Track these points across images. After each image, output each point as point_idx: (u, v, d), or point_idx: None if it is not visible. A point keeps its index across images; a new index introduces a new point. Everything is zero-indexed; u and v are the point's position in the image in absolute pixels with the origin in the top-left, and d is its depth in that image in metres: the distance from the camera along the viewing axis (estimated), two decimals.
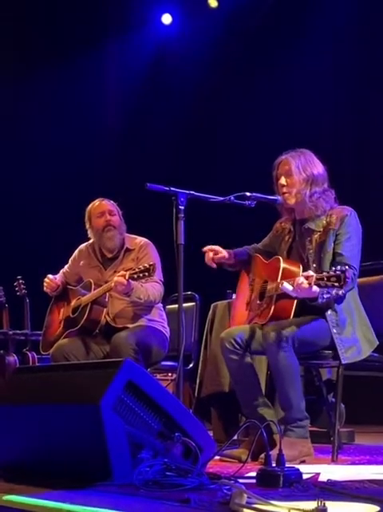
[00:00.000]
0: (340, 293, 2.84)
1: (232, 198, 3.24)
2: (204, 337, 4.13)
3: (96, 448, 2.14)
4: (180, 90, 6.75)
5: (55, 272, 4.06)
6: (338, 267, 2.81)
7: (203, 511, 1.71)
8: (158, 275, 3.72)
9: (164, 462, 2.12)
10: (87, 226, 3.90)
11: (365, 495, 1.87)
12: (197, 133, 6.61)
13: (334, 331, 3.06)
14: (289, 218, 3.30)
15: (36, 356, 4.88)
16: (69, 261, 4.02)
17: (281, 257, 3.17)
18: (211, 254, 3.34)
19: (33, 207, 6.55)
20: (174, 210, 3.09)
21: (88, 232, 3.90)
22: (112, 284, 3.49)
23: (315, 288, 2.85)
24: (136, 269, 3.41)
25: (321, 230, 3.14)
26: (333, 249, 3.10)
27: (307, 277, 2.85)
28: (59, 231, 6.35)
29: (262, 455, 2.72)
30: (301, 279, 2.86)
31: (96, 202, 3.89)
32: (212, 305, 4.17)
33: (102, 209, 3.83)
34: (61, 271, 4.03)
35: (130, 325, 3.67)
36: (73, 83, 6.91)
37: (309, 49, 6.06)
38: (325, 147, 5.45)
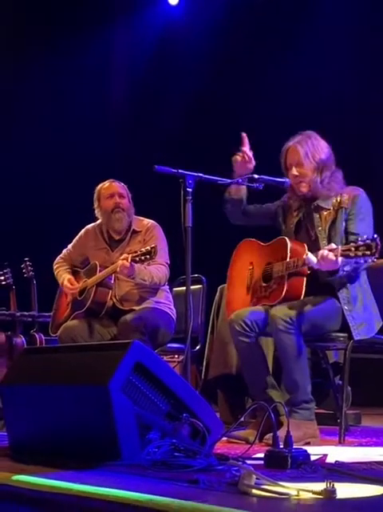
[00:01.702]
0: (369, 261, 2.82)
1: (240, 180, 3.24)
2: (211, 320, 4.14)
3: (104, 429, 2.15)
4: (188, 71, 6.70)
5: (61, 253, 4.06)
6: (364, 237, 2.81)
7: (211, 492, 1.71)
8: (164, 257, 3.73)
9: (172, 442, 2.14)
10: (95, 205, 3.90)
11: (372, 477, 1.88)
12: (205, 115, 6.57)
13: (346, 308, 3.08)
14: (297, 197, 3.30)
15: (43, 338, 4.89)
16: (74, 240, 4.02)
17: (286, 238, 3.18)
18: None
19: (39, 189, 6.53)
20: (182, 192, 3.08)
21: (96, 212, 3.90)
22: (117, 267, 3.50)
23: (340, 259, 2.85)
24: (139, 252, 3.43)
25: (332, 208, 3.17)
26: (346, 228, 3.13)
27: (332, 250, 2.86)
28: (66, 213, 6.35)
29: (268, 436, 2.73)
30: (325, 252, 2.87)
31: (107, 183, 3.89)
32: (219, 288, 4.17)
33: (112, 190, 3.83)
34: (64, 251, 4.03)
35: (136, 308, 3.68)
36: (79, 62, 6.87)
37: (320, 28, 5.99)
38: (332, 127, 5.41)
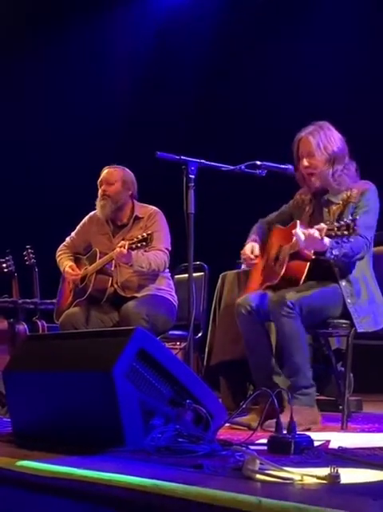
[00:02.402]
0: (351, 241, 2.88)
1: (243, 167, 3.23)
2: (213, 307, 4.14)
3: (108, 415, 2.16)
4: (190, 58, 6.67)
5: (63, 241, 4.05)
6: (350, 217, 2.88)
7: (216, 477, 1.72)
8: (164, 243, 3.73)
9: (176, 428, 2.14)
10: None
11: (376, 462, 1.88)
12: (208, 101, 6.54)
13: (349, 301, 3.08)
14: (308, 189, 3.30)
15: (45, 325, 4.90)
16: (77, 227, 4.03)
17: (298, 221, 3.19)
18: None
19: (41, 176, 6.52)
20: (184, 179, 3.08)
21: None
22: (114, 254, 3.51)
23: (326, 240, 2.89)
24: (135, 239, 3.44)
25: (341, 202, 3.17)
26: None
27: (319, 229, 2.89)
28: (68, 200, 6.34)
29: (267, 423, 2.74)
30: (312, 230, 2.91)
31: (104, 169, 3.90)
32: (221, 275, 4.17)
33: (102, 178, 3.86)
34: (67, 239, 4.03)
35: (138, 295, 3.69)
36: (81, 49, 6.85)
37: (323, 13, 5.96)
38: (339, 115, 5.39)
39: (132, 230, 3.79)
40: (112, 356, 2.16)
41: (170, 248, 3.77)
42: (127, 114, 6.90)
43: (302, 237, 2.96)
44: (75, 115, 6.71)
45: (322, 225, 2.91)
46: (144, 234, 3.43)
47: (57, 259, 4.01)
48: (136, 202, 3.88)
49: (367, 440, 2.44)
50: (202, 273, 4.21)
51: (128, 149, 6.37)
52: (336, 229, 2.85)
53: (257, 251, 3.33)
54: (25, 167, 6.58)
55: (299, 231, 2.99)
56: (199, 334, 4.03)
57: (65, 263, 3.92)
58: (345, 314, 3.11)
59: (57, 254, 4.03)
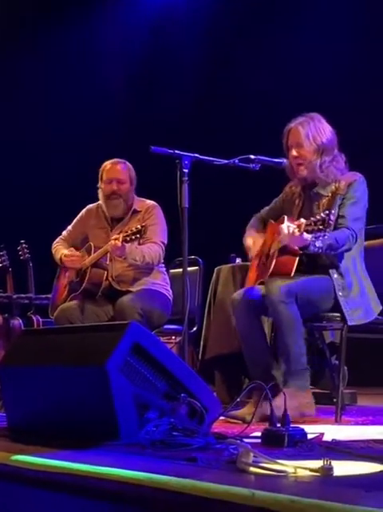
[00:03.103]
0: (326, 237, 2.90)
1: (236, 161, 3.23)
2: (208, 301, 4.15)
3: (103, 409, 2.17)
4: (184, 53, 6.66)
5: (58, 236, 4.05)
6: (325, 211, 2.90)
7: (210, 470, 1.73)
8: (159, 236, 3.74)
9: (171, 422, 2.15)
10: (98, 184, 3.89)
11: (369, 454, 1.89)
12: (202, 95, 6.54)
13: (340, 294, 3.09)
14: (298, 182, 3.31)
15: (40, 320, 4.91)
16: (74, 220, 4.02)
17: (285, 216, 3.20)
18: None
19: (35, 170, 6.52)
20: (178, 173, 3.08)
21: (99, 191, 3.89)
22: (109, 247, 3.51)
23: (306, 235, 2.92)
24: (129, 232, 3.44)
25: (330, 195, 3.18)
26: (338, 212, 3.13)
27: (298, 225, 2.92)
28: (62, 195, 6.33)
29: (263, 405, 2.74)
30: (291, 229, 2.94)
31: (108, 164, 3.86)
32: (216, 269, 4.18)
33: (111, 176, 3.81)
34: (64, 232, 4.03)
35: (133, 289, 3.69)
36: (76, 46, 6.83)
37: (318, 5, 5.95)
38: (332, 108, 5.38)
39: (130, 223, 3.79)
40: (107, 351, 2.17)
41: (166, 242, 3.77)
42: (121, 109, 6.89)
43: (285, 231, 2.99)
44: (69, 111, 6.70)
45: (302, 220, 2.94)
46: (138, 226, 3.44)
47: (53, 251, 3.99)
48: (135, 196, 3.89)
49: (361, 433, 2.45)
50: (196, 268, 4.22)
51: (122, 144, 6.37)
52: (313, 224, 2.88)
53: (258, 243, 3.33)
54: (18, 163, 6.57)
55: (284, 226, 3.01)
56: (194, 328, 4.04)
57: (60, 252, 3.91)
58: (338, 307, 3.13)
59: (53, 246, 4.01)
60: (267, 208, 3.51)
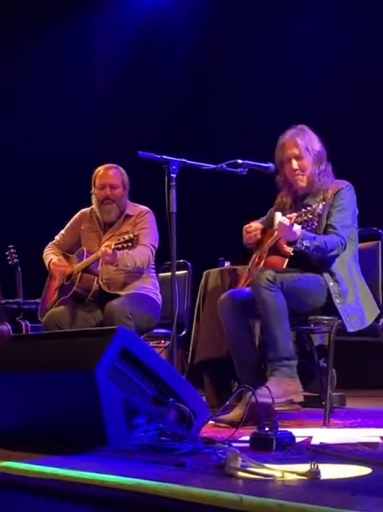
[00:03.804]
0: (316, 240, 2.97)
1: (224, 165, 3.25)
2: (197, 305, 4.15)
3: (91, 415, 2.16)
4: (172, 56, 6.67)
5: (46, 241, 4.05)
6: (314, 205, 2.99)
7: (198, 475, 1.73)
8: (151, 240, 3.74)
9: (159, 427, 2.15)
10: (91, 190, 3.89)
11: (357, 457, 1.90)
12: (189, 100, 6.55)
13: (337, 301, 3.12)
14: (289, 192, 3.33)
15: (29, 325, 4.89)
16: (68, 224, 4.02)
17: (279, 213, 3.24)
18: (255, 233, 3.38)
19: (23, 176, 6.50)
20: (166, 178, 3.09)
21: (92, 196, 3.89)
22: (100, 253, 3.52)
23: (296, 228, 2.97)
24: (121, 239, 3.46)
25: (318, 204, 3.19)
26: (326, 220, 3.17)
27: (289, 217, 2.99)
28: (50, 200, 6.33)
29: (260, 391, 2.74)
30: (283, 218, 3.02)
31: (101, 170, 3.87)
32: (204, 273, 4.19)
33: (104, 181, 3.82)
34: (57, 237, 4.02)
35: (122, 293, 3.69)
36: (61, 48, 6.83)
37: (305, 13, 5.98)
38: (319, 114, 5.43)
39: (121, 228, 3.81)
40: (95, 356, 2.17)
41: (156, 246, 3.78)
42: (108, 114, 6.89)
43: (277, 220, 3.06)
44: (57, 115, 6.69)
45: (293, 214, 3.00)
46: (131, 235, 3.46)
47: (44, 255, 3.99)
48: (128, 201, 3.89)
49: (349, 436, 2.47)
50: (185, 271, 4.22)
51: (110, 149, 6.36)
52: (303, 214, 2.96)
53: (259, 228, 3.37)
54: (7, 167, 6.55)
55: (278, 214, 3.13)
56: (183, 332, 4.04)
57: (50, 258, 3.91)
58: (330, 310, 3.14)
59: (45, 251, 4.01)
60: (264, 218, 3.52)
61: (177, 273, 3.45)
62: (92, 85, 6.96)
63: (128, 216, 3.84)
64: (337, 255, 3.15)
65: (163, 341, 4.50)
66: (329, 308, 3.15)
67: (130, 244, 3.44)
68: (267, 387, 2.52)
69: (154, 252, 3.75)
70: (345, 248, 3.15)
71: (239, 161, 3.23)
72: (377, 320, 3.25)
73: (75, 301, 3.74)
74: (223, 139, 5.97)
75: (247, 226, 3.41)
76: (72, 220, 4.01)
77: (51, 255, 3.94)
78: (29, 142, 6.62)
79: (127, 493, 1.61)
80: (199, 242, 5.34)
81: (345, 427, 2.95)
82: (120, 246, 3.46)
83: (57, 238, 4.04)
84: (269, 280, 3.01)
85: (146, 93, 6.73)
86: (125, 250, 3.54)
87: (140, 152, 3.06)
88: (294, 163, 3.22)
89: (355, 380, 4.94)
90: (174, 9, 6.77)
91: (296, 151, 3.22)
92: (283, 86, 5.95)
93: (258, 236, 3.38)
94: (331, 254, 3.12)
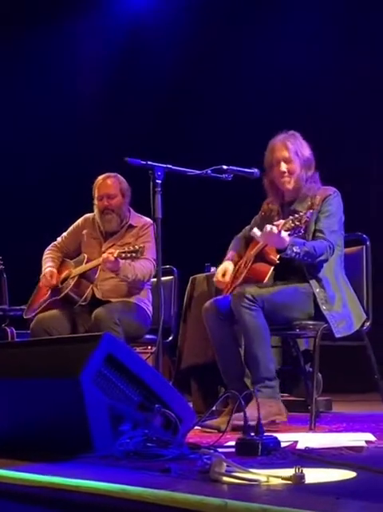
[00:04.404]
0: (305, 245, 2.97)
1: (209, 171, 3.26)
2: (183, 310, 4.16)
3: (76, 421, 2.16)
4: (156, 62, 6.69)
5: (33, 249, 4.03)
6: (304, 211, 3.00)
7: (183, 480, 1.73)
8: (154, 254, 3.71)
9: (145, 433, 2.15)
10: (93, 200, 3.88)
11: (342, 462, 1.91)
12: (175, 105, 6.56)
13: (324, 308, 3.13)
14: (275, 198, 3.35)
15: (15, 332, 4.87)
16: (70, 227, 4.01)
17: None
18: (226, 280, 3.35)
19: (10, 183, 6.49)
20: (151, 184, 3.09)
21: (94, 206, 3.88)
22: (101, 259, 3.51)
23: (284, 234, 2.97)
24: (126, 249, 3.46)
25: (306, 210, 3.20)
26: (314, 226, 3.18)
27: (276, 225, 2.99)
28: (37, 207, 6.31)
29: (235, 416, 2.75)
30: (269, 226, 3.01)
31: (100, 180, 3.86)
32: (191, 278, 4.19)
33: (102, 192, 3.82)
34: (59, 239, 4.01)
35: (114, 300, 3.68)
36: (47, 53, 6.83)
37: (293, 17, 6.00)
38: (303, 119, 5.45)
39: (125, 238, 3.80)
40: (80, 362, 2.16)
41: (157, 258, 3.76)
42: (94, 120, 6.88)
43: (258, 233, 3.04)
44: (41, 120, 6.68)
45: (281, 221, 3.00)
46: (136, 246, 3.45)
47: (43, 257, 3.98)
48: (132, 211, 3.88)
49: (334, 440, 2.47)
50: (171, 277, 4.22)
51: (96, 155, 6.37)
52: (291, 221, 2.96)
53: (229, 274, 3.35)
54: None
55: (255, 230, 3.08)
56: (170, 338, 4.04)
57: (47, 264, 3.89)
58: (319, 318, 3.15)
59: (45, 253, 4.00)
60: (248, 227, 3.53)
61: (163, 278, 3.45)
62: (77, 92, 6.95)
63: (131, 226, 3.83)
64: (326, 260, 3.17)
65: (149, 347, 4.51)
66: (318, 316, 3.16)
67: (134, 255, 3.43)
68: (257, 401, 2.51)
69: (155, 266, 3.72)
70: (333, 253, 3.17)
71: (224, 167, 3.24)
72: (362, 324, 3.27)
73: (65, 304, 3.72)
74: (210, 145, 5.98)
75: (216, 280, 3.38)
76: (74, 224, 4.00)
77: (49, 262, 3.92)
78: (14, 149, 6.60)
79: (112, 499, 1.61)
80: (186, 248, 5.34)
81: (330, 431, 2.96)
82: (123, 255, 3.45)
83: (58, 240, 4.03)
84: (249, 299, 3.01)
85: (132, 97, 6.73)
86: (128, 261, 3.53)
87: (128, 159, 3.07)
88: (283, 166, 3.24)
89: (342, 384, 4.95)
90: (161, 12, 6.78)
91: (285, 154, 3.23)
92: (271, 90, 5.98)
93: (225, 283, 3.36)
94: (320, 258, 3.14)
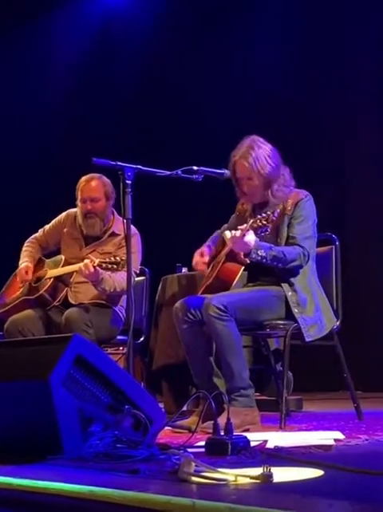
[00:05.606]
0: (267, 232, 3.00)
1: (179, 172, 3.25)
2: (154, 310, 4.15)
3: (46, 423, 2.15)
4: (127, 62, 6.68)
5: (10, 250, 3.98)
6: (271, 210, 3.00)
7: (152, 481, 1.74)
8: (136, 265, 3.67)
9: (115, 434, 2.15)
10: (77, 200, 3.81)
11: (310, 460, 1.93)
12: (144, 106, 6.56)
13: (296, 310, 3.13)
14: (247, 202, 3.37)
15: None
16: (53, 221, 3.93)
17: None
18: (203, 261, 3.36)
19: None
20: (121, 184, 3.08)
21: (77, 208, 3.82)
22: (81, 266, 3.46)
23: (249, 237, 2.97)
24: (107, 260, 3.41)
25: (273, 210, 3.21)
26: (287, 232, 3.18)
27: (241, 228, 3.00)
28: (14, 207, 6.25)
29: (205, 424, 2.76)
30: (234, 231, 3.01)
31: (83, 182, 3.76)
32: (162, 279, 4.19)
33: (86, 195, 3.72)
34: (40, 231, 3.94)
35: (86, 302, 3.65)
36: (17, 52, 6.77)
37: (261, 15, 6.03)
38: (271, 117, 5.48)
39: (106, 245, 3.74)
40: (49, 364, 2.15)
41: (138, 270, 3.73)
42: (63, 119, 6.85)
43: (228, 235, 3.04)
44: (10, 121, 6.63)
45: (247, 223, 3.01)
46: (118, 258, 3.40)
47: (22, 249, 3.91)
48: (116, 216, 3.79)
49: (303, 439, 2.49)
50: (143, 278, 4.22)
51: (65, 156, 6.33)
52: (258, 221, 2.97)
53: (206, 255, 3.35)
54: None
55: (227, 232, 3.08)
56: (141, 338, 4.04)
57: (25, 259, 3.82)
58: (288, 318, 3.17)
59: (25, 245, 3.93)
60: (225, 225, 3.53)
61: (135, 279, 3.44)
62: (47, 91, 6.90)
63: (114, 234, 3.75)
64: (301, 266, 3.17)
65: (121, 348, 4.49)
66: (289, 317, 3.17)
67: (115, 267, 3.39)
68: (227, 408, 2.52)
69: (135, 277, 3.68)
70: (308, 259, 3.17)
71: (195, 168, 3.24)
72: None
73: (37, 305, 3.68)
74: (181, 145, 5.99)
75: (195, 261, 3.39)
76: (57, 219, 3.92)
77: (26, 257, 3.84)
78: None
79: (80, 500, 1.61)
80: (157, 249, 5.34)
81: (300, 430, 2.98)
82: (103, 265, 3.40)
83: (39, 232, 3.96)
84: (221, 310, 3.01)
85: (101, 100, 6.71)
86: (108, 272, 3.48)
87: (94, 159, 3.05)
88: (245, 187, 3.25)
89: (312, 383, 4.99)
90: (130, 12, 6.77)
91: (245, 174, 3.22)
92: (243, 90, 5.99)
93: (204, 262, 3.37)
94: (293, 264, 3.13)
